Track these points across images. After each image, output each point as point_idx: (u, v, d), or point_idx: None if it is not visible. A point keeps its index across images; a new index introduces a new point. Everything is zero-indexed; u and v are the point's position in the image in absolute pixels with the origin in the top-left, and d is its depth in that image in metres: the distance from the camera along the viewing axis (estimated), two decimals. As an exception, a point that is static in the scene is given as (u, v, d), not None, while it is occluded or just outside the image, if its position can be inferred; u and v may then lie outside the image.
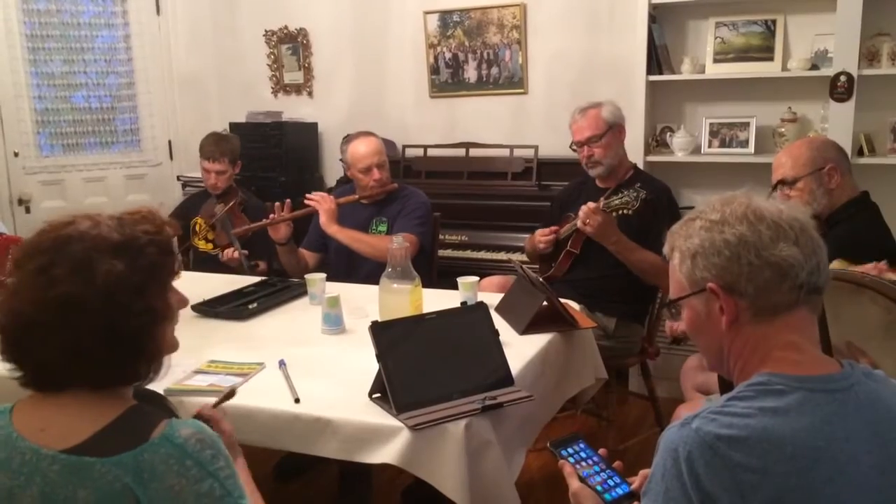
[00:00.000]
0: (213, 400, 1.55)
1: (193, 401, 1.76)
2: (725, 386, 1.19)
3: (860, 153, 3.20)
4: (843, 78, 3.11)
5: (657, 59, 3.45)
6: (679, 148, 3.50)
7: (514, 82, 3.96)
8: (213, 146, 3.35)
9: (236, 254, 3.02)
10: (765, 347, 1.08)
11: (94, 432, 1.08)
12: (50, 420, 1.10)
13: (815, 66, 3.27)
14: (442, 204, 3.43)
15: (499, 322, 2.11)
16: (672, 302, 1.18)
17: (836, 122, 3.14)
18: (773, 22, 3.37)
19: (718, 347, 1.14)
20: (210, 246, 3.34)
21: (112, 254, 1.12)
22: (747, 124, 3.45)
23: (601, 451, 1.31)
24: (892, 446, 1.03)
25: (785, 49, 3.37)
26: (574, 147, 2.94)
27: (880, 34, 3.17)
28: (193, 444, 1.08)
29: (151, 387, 1.29)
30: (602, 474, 1.26)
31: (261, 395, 1.78)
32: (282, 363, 1.93)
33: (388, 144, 4.03)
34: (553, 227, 2.93)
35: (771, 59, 3.38)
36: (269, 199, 3.12)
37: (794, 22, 3.36)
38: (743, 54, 3.42)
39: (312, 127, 4.42)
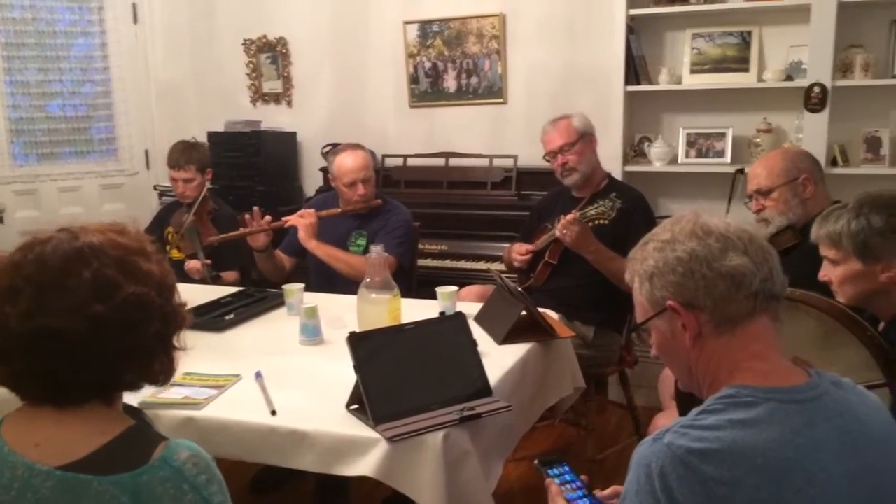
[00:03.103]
0: None
1: (168, 414, 1.75)
2: (683, 403, 1.20)
3: (834, 163, 3.24)
4: (816, 89, 3.15)
5: (635, 69, 3.48)
6: (657, 158, 3.52)
7: (494, 92, 3.97)
8: (179, 154, 3.32)
9: (199, 264, 2.99)
10: (731, 360, 1.10)
11: (93, 450, 1.06)
12: (45, 435, 1.07)
13: (789, 78, 3.32)
14: (421, 213, 3.42)
15: (477, 332, 2.11)
16: (638, 326, 1.20)
17: (811, 133, 3.18)
18: (749, 33, 3.41)
19: (687, 365, 1.15)
20: (182, 256, 3.32)
21: (143, 259, 1.14)
22: (724, 134, 3.48)
23: (583, 477, 1.32)
24: (862, 454, 1.04)
25: (760, 60, 3.41)
26: (547, 158, 2.95)
27: (853, 46, 3.22)
28: (190, 467, 1.07)
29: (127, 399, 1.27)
30: (585, 500, 1.28)
31: (237, 408, 1.77)
32: (258, 375, 1.91)
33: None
34: (529, 246, 2.94)
35: (746, 70, 3.42)
36: (247, 208, 3.10)
37: (769, 34, 3.40)
38: (719, 65, 3.46)
39: (291, 136, 4.40)
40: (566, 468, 1.33)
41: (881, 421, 1.10)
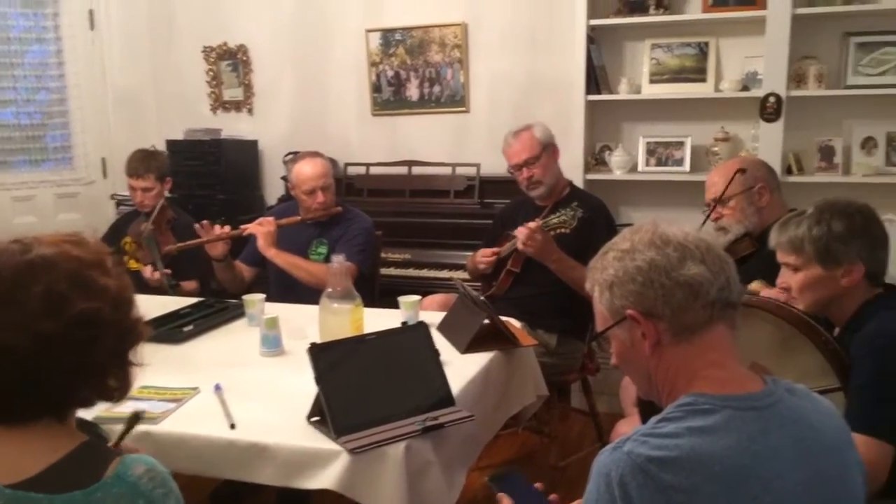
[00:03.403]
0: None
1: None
2: (645, 410, 1.21)
3: (789, 171, 3.31)
4: (772, 99, 3.22)
5: (595, 79, 3.52)
6: (617, 166, 3.56)
7: (456, 101, 3.98)
8: (138, 163, 3.27)
9: (157, 273, 2.94)
10: (689, 368, 1.11)
11: (44, 467, 1.03)
12: None
13: (745, 88, 3.38)
14: (384, 222, 3.41)
15: (440, 341, 2.10)
16: (598, 335, 1.21)
17: (766, 142, 3.25)
18: (706, 44, 3.47)
19: (646, 373, 1.16)
20: (140, 266, 3.26)
21: (100, 272, 1.10)
22: (682, 143, 3.53)
23: (538, 484, 1.32)
24: (817, 461, 1.05)
25: (717, 71, 3.47)
26: (511, 170, 2.96)
27: (807, 57, 3.30)
28: (146, 482, 1.05)
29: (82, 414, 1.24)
30: None
31: (195, 421, 1.74)
32: (217, 387, 1.88)
33: (330, 162, 4.01)
34: (494, 249, 2.94)
35: (704, 80, 3.48)
36: (207, 217, 3.06)
37: (725, 45, 3.47)
38: (677, 75, 3.51)
39: (252, 144, 4.36)
40: (519, 479, 1.33)
41: (834, 427, 1.12)
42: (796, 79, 3.29)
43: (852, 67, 3.27)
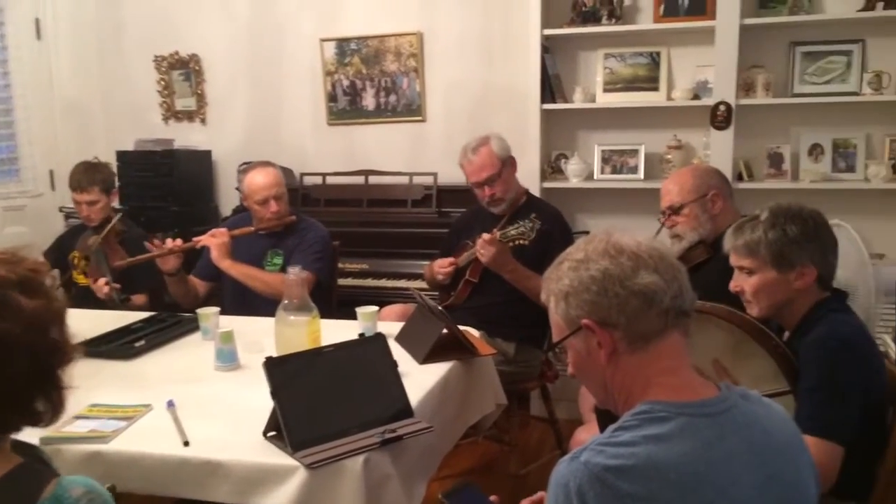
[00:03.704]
0: None
1: (72, 449, 1.66)
2: (603, 416, 1.22)
3: (740, 178, 3.38)
4: (722, 107, 3.28)
5: (550, 88, 3.55)
6: (573, 174, 3.59)
7: (413, 110, 3.98)
8: (81, 175, 3.18)
9: (107, 287, 2.87)
10: (644, 376, 1.11)
11: None
12: None
13: (696, 97, 3.44)
14: (342, 232, 3.39)
15: (398, 352, 2.09)
16: (554, 345, 1.21)
17: (717, 149, 3.31)
18: (658, 54, 3.53)
19: (602, 382, 1.16)
20: (88, 280, 3.18)
21: (20, 291, 1.06)
22: (636, 151, 3.58)
23: (493, 497, 1.32)
24: (770, 465, 1.07)
25: (669, 80, 3.53)
26: (471, 185, 2.96)
27: (755, 66, 3.37)
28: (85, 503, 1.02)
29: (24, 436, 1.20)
30: None
31: (147, 440, 1.69)
32: (170, 404, 1.84)
33: (286, 172, 3.95)
34: (451, 259, 2.94)
35: (656, 89, 3.53)
36: (159, 230, 3.00)
37: (676, 54, 3.53)
38: (630, 84, 3.56)
39: (206, 155, 4.30)
40: (473, 493, 1.33)
41: (787, 432, 1.13)
42: (745, 87, 3.37)
43: (799, 76, 3.36)
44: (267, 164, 3.07)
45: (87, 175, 3.18)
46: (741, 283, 1.80)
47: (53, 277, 1.14)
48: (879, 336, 2.49)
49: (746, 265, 1.78)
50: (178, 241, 2.85)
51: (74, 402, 1.84)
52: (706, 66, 3.41)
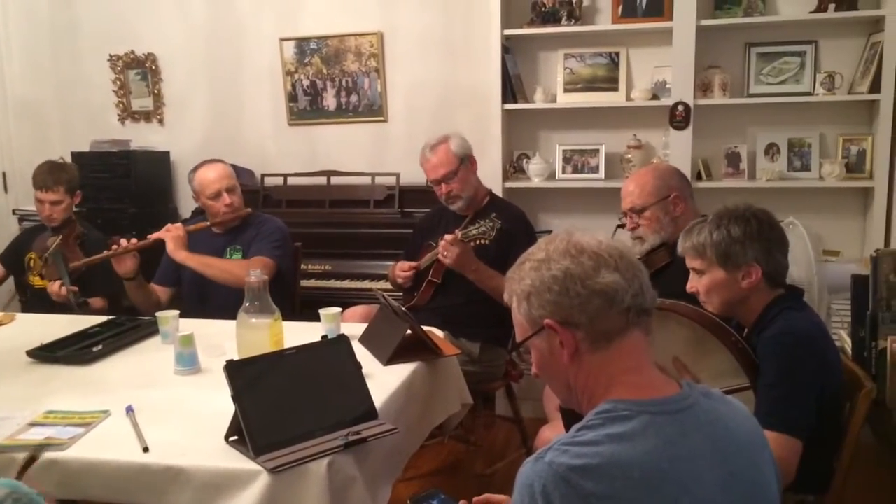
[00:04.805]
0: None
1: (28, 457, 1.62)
2: (567, 414, 1.22)
3: (699, 177, 3.43)
4: (680, 107, 3.33)
5: (511, 88, 3.56)
6: (535, 174, 3.61)
7: (374, 110, 3.96)
8: (46, 174, 3.13)
9: (63, 290, 2.81)
10: (607, 374, 1.12)
11: None
12: None
13: (655, 97, 3.49)
14: (304, 233, 3.36)
15: (362, 353, 2.07)
16: (517, 345, 1.21)
17: (676, 149, 3.35)
18: (617, 55, 3.56)
19: (566, 382, 1.17)
20: (45, 283, 3.11)
21: None
22: (597, 151, 3.62)
23: (461, 502, 1.31)
24: (732, 462, 1.08)
25: (628, 80, 3.56)
26: (430, 185, 2.96)
27: (712, 67, 3.43)
28: None
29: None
30: None
31: (105, 446, 1.66)
32: (129, 409, 1.80)
33: (247, 173, 3.92)
34: (412, 263, 2.94)
35: (616, 89, 3.57)
36: (117, 232, 2.94)
37: (635, 55, 3.56)
38: (590, 85, 3.59)
39: (164, 156, 4.23)
40: (441, 498, 1.33)
41: (748, 429, 1.15)
42: (703, 88, 3.42)
43: (754, 76, 3.42)
44: (215, 160, 3.05)
45: (52, 174, 3.13)
46: (695, 283, 1.85)
47: None
48: (835, 332, 2.54)
49: (697, 266, 1.83)
50: (134, 241, 2.80)
51: (31, 409, 1.82)
52: (664, 66, 3.45)
